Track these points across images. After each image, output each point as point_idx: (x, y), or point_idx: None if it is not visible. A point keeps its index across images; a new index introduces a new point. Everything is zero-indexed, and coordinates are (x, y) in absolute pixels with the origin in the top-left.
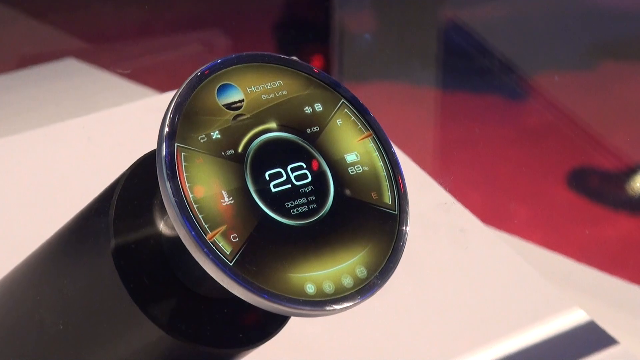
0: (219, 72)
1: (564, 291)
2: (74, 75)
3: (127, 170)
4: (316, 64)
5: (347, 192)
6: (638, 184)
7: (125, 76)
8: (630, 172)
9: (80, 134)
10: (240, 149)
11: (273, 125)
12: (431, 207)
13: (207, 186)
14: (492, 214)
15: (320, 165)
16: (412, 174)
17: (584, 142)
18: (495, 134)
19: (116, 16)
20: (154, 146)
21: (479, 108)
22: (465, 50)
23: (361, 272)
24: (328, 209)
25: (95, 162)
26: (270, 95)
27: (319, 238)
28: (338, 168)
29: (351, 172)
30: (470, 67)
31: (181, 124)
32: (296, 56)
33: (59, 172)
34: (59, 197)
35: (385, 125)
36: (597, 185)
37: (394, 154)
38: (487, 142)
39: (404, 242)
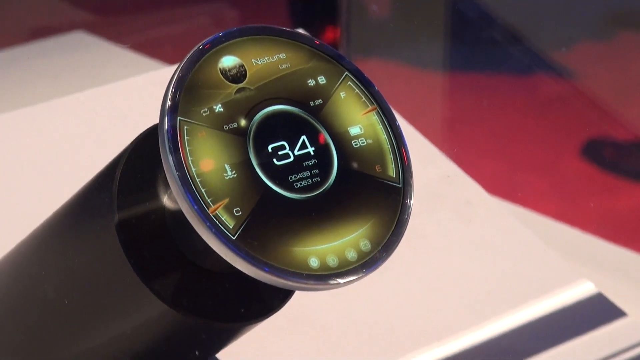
0: (221, 46)
1: (572, 263)
2: (83, 48)
3: (130, 144)
4: (328, 36)
5: (351, 165)
6: None
7: (133, 48)
8: None
9: (88, 107)
10: (243, 123)
11: (276, 98)
12: (437, 179)
13: (209, 160)
14: (505, 185)
15: (323, 138)
16: (419, 146)
17: (599, 113)
18: (508, 106)
19: None
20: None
21: (491, 81)
22: (476, 22)
23: (365, 245)
24: (331, 182)
25: (103, 136)
26: (273, 68)
27: (323, 211)
28: (342, 141)
29: (355, 145)
30: (482, 40)
31: (183, 98)
32: (307, 28)
33: (66, 146)
34: (65, 171)
35: (393, 97)
36: (612, 156)
37: (398, 126)
38: (499, 115)
39: (408, 215)
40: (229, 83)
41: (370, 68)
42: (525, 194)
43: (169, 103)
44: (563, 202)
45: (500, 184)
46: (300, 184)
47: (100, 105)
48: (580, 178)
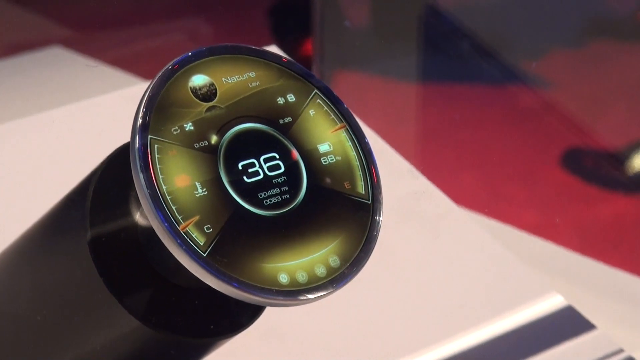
0: (191, 65)
1: (541, 276)
2: (60, 64)
3: (102, 161)
4: (305, 50)
5: (320, 182)
6: (633, 164)
7: (110, 64)
8: (623, 153)
9: (62, 124)
10: (213, 141)
11: (246, 116)
12: (407, 194)
13: (180, 178)
14: (482, 197)
15: (293, 156)
16: (390, 160)
17: (575, 123)
18: (484, 118)
19: (102, 4)
20: None
21: (466, 93)
22: (450, 34)
23: (334, 261)
24: (301, 199)
25: (76, 153)
26: (243, 87)
27: (292, 228)
28: (311, 158)
29: (324, 162)
30: (456, 52)
31: (154, 117)
32: (285, 42)
33: (40, 162)
34: (39, 188)
35: (367, 110)
36: (590, 166)
37: (367, 144)
38: (475, 127)
39: (377, 232)
40: (200, 102)
41: (344, 80)
42: (502, 205)
43: (139, 122)
44: (540, 213)
45: (476, 196)
46: (270, 201)
47: (74, 122)
48: (558, 189)
